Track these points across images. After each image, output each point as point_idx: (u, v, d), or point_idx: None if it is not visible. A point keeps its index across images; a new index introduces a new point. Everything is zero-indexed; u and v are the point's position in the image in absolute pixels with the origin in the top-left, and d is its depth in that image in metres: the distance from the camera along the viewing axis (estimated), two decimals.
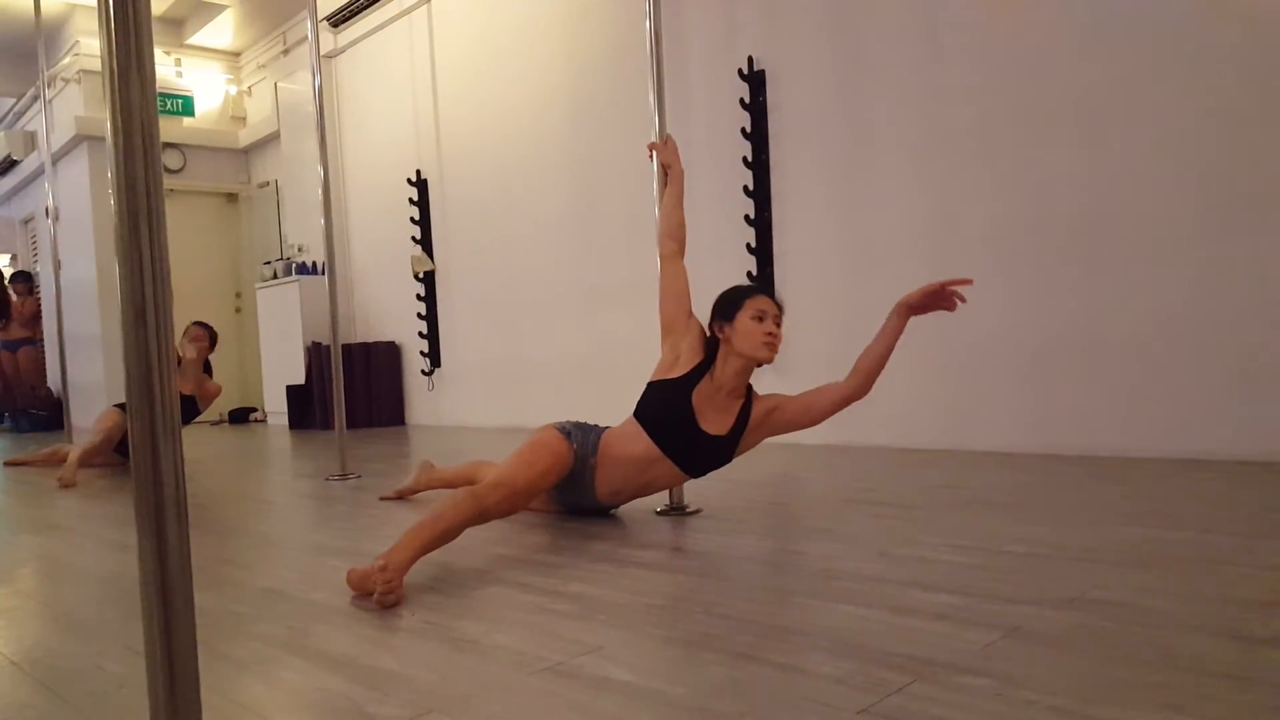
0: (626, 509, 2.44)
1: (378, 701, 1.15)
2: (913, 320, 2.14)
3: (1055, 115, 3.11)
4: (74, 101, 7.70)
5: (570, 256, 5.06)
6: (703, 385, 2.21)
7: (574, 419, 2.36)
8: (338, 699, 1.18)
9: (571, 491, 2.32)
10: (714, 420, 2.20)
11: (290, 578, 1.88)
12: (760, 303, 2.17)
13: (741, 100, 4.00)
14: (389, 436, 5.45)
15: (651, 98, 2.51)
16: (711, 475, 2.30)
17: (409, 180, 6.14)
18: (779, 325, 2.17)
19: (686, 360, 2.24)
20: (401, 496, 2.87)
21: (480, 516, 1.95)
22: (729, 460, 2.26)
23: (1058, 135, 3.11)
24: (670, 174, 2.46)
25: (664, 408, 2.22)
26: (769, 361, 2.17)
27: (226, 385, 8.14)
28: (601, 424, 2.35)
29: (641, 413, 2.26)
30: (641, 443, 2.22)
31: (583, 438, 2.26)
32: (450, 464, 2.94)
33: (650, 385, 2.28)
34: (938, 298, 2.11)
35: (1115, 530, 1.93)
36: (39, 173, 8.39)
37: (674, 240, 2.40)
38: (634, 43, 3.75)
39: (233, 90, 8.27)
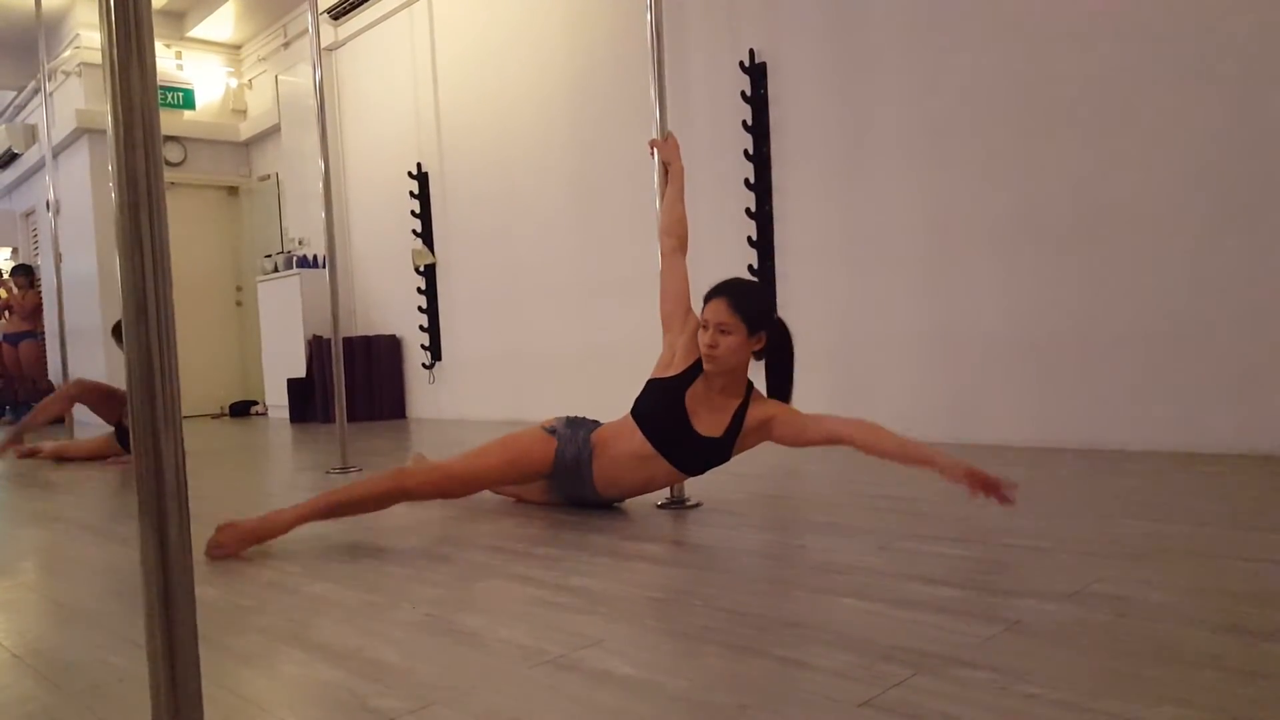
0: (628, 503, 2.44)
1: (379, 694, 1.15)
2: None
3: (1056, 108, 3.11)
4: (75, 95, 7.69)
5: (571, 250, 5.05)
6: (696, 386, 2.20)
7: (573, 413, 2.36)
8: (339, 691, 1.18)
9: (571, 484, 2.32)
10: (708, 421, 2.19)
11: (292, 570, 1.88)
12: (707, 310, 2.16)
13: (742, 93, 3.99)
14: (390, 430, 5.45)
15: (652, 90, 2.50)
16: (712, 469, 2.30)
17: (410, 173, 6.13)
18: (724, 333, 2.11)
19: (681, 359, 2.24)
20: None
21: (400, 495, 2.07)
22: (727, 459, 2.24)
23: (1059, 128, 3.10)
24: (671, 171, 2.45)
25: (657, 407, 2.22)
26: (708, 372, 2.16)
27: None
28: (602, 419, 2.35)
29: (637, 411, 2.26)
30: (636, 440, 2.22)
31: (571, 434, 2.26)
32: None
33: (648, 383, 2.29)
34: (984, 487, 1.82)
35: (1116, 524, 1.94)
36: (40, 166, 8.37)
37: (674, 237, 2.39)
38: (635, 35, 3.73)
39: (233, 83, 8.25)
